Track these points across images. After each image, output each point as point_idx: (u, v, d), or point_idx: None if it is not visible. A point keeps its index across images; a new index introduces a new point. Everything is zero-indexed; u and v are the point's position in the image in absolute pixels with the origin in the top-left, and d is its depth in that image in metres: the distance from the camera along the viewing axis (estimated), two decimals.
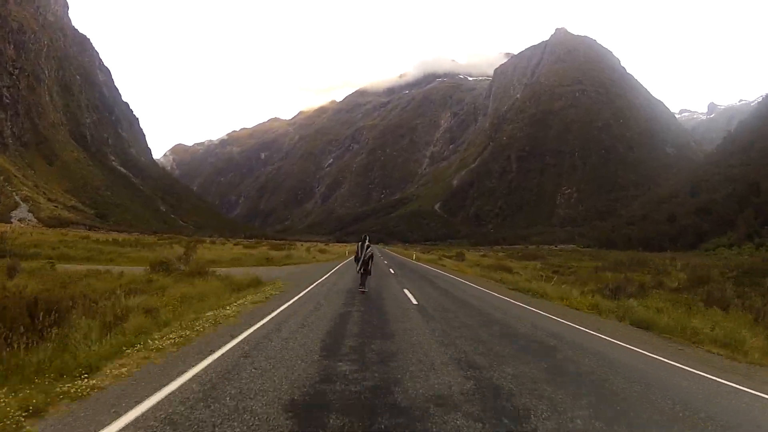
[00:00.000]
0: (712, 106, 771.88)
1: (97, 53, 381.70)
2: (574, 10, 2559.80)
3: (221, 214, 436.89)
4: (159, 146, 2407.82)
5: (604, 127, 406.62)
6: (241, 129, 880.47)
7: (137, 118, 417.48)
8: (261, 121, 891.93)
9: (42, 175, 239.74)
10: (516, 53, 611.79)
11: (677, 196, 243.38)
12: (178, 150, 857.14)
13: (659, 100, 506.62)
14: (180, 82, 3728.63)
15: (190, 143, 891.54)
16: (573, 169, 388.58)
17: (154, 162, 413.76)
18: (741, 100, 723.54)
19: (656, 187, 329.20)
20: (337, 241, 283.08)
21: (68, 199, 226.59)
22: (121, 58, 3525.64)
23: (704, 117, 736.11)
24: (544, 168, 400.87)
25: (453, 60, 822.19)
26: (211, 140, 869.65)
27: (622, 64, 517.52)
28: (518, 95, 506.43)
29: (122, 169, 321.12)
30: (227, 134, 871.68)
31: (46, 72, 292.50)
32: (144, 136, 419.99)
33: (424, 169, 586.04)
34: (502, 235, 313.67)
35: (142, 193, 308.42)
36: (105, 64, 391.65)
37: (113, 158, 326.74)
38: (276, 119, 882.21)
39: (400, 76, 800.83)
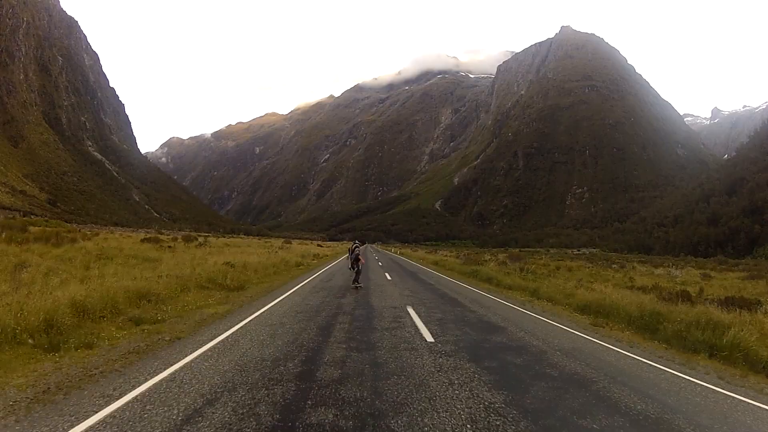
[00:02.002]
0: (715, 112, 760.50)
1: (85, 36, 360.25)
2: (575, 12, 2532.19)
3: (205, 208, 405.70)
4: (156, 139, 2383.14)
5: (617, 125, 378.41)
6: (237, 123, 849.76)
7: (123, 105, 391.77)
8: (258, 116, 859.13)
9: (1, 156, 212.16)
10: (517, 51, 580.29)
11: (712, 195, 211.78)
12: (173, 143, 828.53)
13: (667, 102, 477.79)
14: (179, 75, 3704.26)
15: (186, 137, 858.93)
16: (584, 168, 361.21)
17: (138, 150, 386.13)
18: (745, 106, 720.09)
19: (672, 188, 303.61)
20: (330, 239, 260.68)
21: (23, 184, 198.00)
22: (122, 51, 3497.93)
23: (708, 122, 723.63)
24: (553, 166, 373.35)
25: (455, 57, 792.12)
26: (206, 134, 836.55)
27: (630, 62, 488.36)
28: (523, 92, 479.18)
29: (98, 155, 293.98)
30: (223, 128, 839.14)
31: (23, 50, 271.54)
32: (130, 123, 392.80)
33: (423, 166, 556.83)
34: (510, 236, 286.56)
35: (116, 181, 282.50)
36: (93, 48, 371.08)
37: (90, 143, 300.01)
38: (273, 113, 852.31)
39: (399, 73, 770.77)
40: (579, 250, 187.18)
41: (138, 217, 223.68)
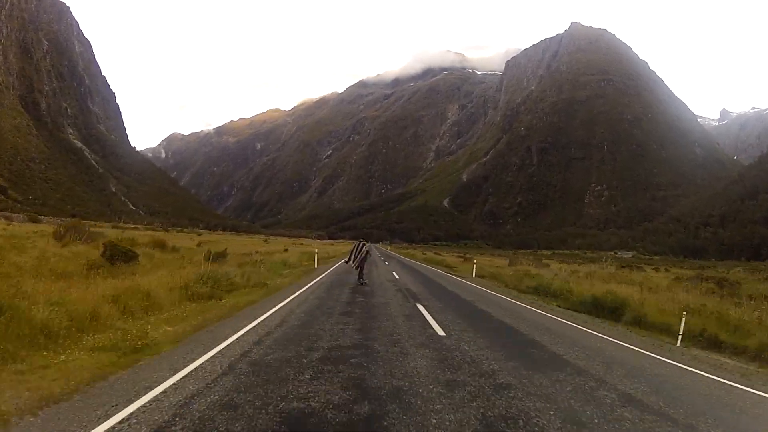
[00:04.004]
0: (724, 113, 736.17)
1: (77, 23, 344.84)
2: (581, 11, 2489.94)
3: (196, 203, 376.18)
4: (158, 135, 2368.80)
5: (635, 120, 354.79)
6: (239, 119, 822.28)
7: (114, 94, 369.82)
8: (260, 112, 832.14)
9: None
10: (524, 48, 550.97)
11: (757, 192, 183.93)
12: (173, 139, 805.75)
13: (681, 100, 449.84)
14: (182, 71, 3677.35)
15: (187, 132, 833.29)
16: (602, 165, 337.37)
17: (127, 141, 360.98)
18: (753, 108, 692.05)
19: (695, 187, 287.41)
20: (329, 237, 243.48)
21: None
22: (127, 47, 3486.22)
23: (716, 123, 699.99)
24: (569, 162, 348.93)
25: (461, 54, 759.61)
26: (207, 129, 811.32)
27: (642, 58, 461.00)
28: (533, 87, 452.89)
29: (78, 143, 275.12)
30: (224, 123, 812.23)
31: (4, 32, 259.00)
32: (120, 113, 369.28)
33: (429, 163, 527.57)
34: (525, 236, 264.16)
35: (93, 171, 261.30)
36: (86, 35, 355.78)
37: (71, 131, 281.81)
38: (276, 110, 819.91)
39: (403, 68, 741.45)
40: (616, 253, 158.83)
41: (110, 209, 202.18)
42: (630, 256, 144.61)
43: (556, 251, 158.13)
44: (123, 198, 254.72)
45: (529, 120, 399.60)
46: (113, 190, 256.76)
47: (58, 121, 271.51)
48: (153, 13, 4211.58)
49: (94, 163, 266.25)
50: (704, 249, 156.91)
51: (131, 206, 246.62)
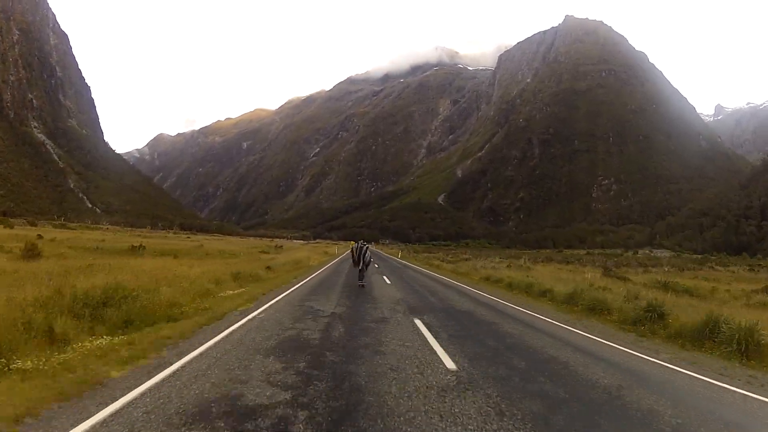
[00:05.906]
0: (719, 108, 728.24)
1: (54, 15, 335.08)
2: (573, 9, 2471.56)
3: (169, 201, 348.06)
4: (145, 136, 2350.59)
5: (640, 111, 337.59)
6: (226, 119, 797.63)
7: (89, 87, 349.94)
8: (247, 111, 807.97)
9: None
10: (516, 42, 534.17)
11: None
12: (160, 140, 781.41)
13: (680, 93, 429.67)
14: (171, 73, 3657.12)
15: (174, 134, 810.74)
16: (608, 157, 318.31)
17: (101, 136, 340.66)
18: (748, 103, 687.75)
19: (708, 180, 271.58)
20: (316, 238, 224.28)
21: None
22: (116, 50, 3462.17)
23: (711, 119, 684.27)
24: (573, 154, 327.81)
25: (451, 49, 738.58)
26: (193, 130, 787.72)
27: (639, 50, 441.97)
28: (529, 79, 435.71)
29: (41, 137, 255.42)
30: (210, 124, 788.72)
31: None
32: (95, 108, 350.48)
33: (420, 160, 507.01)
34: (531, 234, 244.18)
35: (52, 165, 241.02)
36: (62, 27, 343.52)
37: (36, 124, 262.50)
38: (262, 109, 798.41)
39: (392, 62, 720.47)
40: (651, 252, 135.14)
41: (61, 206, 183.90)
42: (669, 255, 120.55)
43: (590, 251, 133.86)
44: (80, 195, 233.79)
45: (528, 111, 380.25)
46: (71, 186, 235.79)
47: (21, 113, 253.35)
48: (146, 16, 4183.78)
49: (55, 157, 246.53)
50: (749, 245, 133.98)
51: (88, 203, 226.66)
